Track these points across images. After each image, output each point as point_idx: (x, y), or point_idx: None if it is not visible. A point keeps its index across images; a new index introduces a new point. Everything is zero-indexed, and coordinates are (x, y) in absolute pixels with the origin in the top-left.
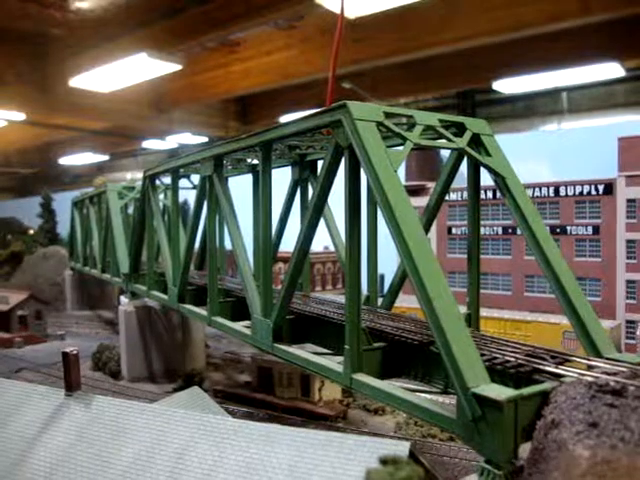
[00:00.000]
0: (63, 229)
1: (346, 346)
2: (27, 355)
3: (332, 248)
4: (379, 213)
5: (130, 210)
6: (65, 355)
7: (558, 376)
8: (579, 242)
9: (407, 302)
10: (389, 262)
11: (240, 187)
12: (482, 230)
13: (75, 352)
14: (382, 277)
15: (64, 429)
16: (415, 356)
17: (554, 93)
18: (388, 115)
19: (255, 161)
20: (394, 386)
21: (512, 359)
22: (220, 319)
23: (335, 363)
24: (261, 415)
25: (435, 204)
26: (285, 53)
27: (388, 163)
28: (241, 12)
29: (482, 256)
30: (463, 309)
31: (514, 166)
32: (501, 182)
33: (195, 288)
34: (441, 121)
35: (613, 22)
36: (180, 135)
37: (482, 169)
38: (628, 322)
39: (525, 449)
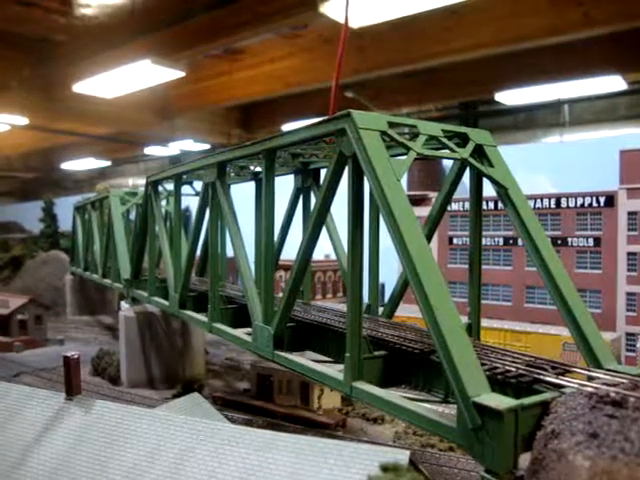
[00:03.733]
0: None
1: (347, 354)
2: (26, 359)
3: (333, 256)
4: (381, 222)
5: (132, 216)
6: (66, 359)
7: (559, 386)
8: (580, 254)
9: (407, 311)
10: (389, 271)
11: (243, 194)
12: (483, 240)
13: (76, 356)
14: (383, 286)
15: (64, 433)
16: (416, 365)
17: (556, 105)
18: (392, 124)
19: (258, 169)
20: (394, 394)
21: (513, 369)
22: (221, 326)
23: (335, 371)
24: (260, 422)
25: (437, 214)
26: (288, 62)
27: (391, 172)
28: (247, 20)
29: (483, 266)
30: (464, 319)
31: (515, 178)
32: (503, 193)
33: (196, 294)
34: (444, 131)
35: (616, 35)
36: (182, 142)
37: (485, 180)
38: (628, 334)
39: (525, 459)
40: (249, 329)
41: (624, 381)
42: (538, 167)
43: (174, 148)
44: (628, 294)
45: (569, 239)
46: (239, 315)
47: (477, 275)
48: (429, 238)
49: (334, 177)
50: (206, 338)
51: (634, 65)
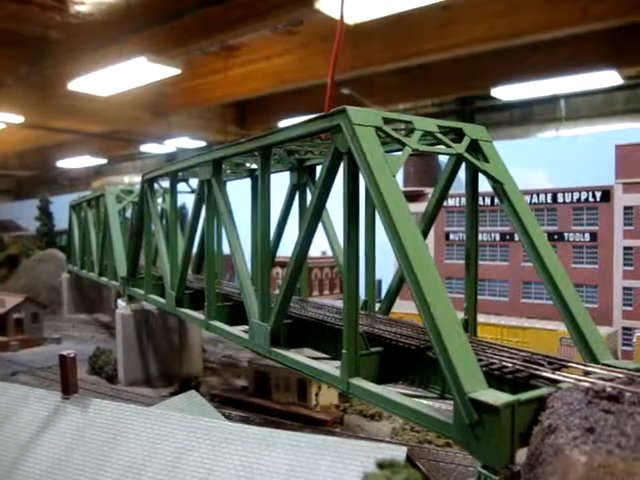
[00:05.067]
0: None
1: (344, 350)
2: (23, 358)
3: (330, 253)
4: (377, 218)
5: (128, 213)
6: (62, 358)
7: (555, 382)
8: (576, 249)
9: (404, 308)
10: (386, 267)
11: (239, 191)
12: (480, 236)
13: (72, 355)
14: (379, 282)
15: (61, 432)
16: (412, 361)
17: (552, 100)
18: (387, 120)
19: (254, 165)
20: (391, 391)
21: (509, 364)
22: (217, 323)
23: (332, 367)
24: (258, 420)
25: (433, 210)
26: (284, 58)
27: (387, 168)
28: (241, 17)
29: (479, 262)
30: (460, 315)
31: (511, 173)
32: (499, 188)
33: (193, 292)
34: (440, 127)
35: (611, 30)
36: (178, 139)
37: (480, 175)
38: (625, 329)
39: (522, 454)
40: (246, 326)
41: (620, 376)
42: (534, 162)
43: (170, 145)
44: (625, 289)
45: (565, 234)
46: (236, 312)
47: (473, 271)
48: (425, 234)
49: (329, 173)
50: (203, 336)
51: (629, 60)
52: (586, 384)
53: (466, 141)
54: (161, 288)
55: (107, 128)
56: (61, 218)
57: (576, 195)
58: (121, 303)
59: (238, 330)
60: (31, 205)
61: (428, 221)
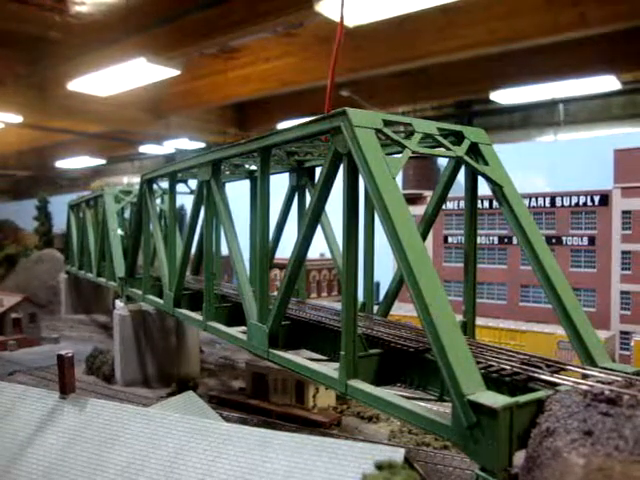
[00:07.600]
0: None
1: (342, 352)
2: (20, 358)
3: (328, 255)
4: (376, 220)
5: (127, 214)
6: (60, 357)
7: (553, 384)
8: (574, 252)
9: (402, 310)
10: (384, 269)
11: (237, 192)
12: (478, 239)
13: (70, 355)
14: (377, 285)
15: (58, 431)
16: (411, 363)
17: (551, 104)
18: (387, 123)
19: (253, 167)
20: (389, 393)
21: (508, 367)
22: (215, 324)
23: (331, 369)
24: (255, 421)
25: (432, 212)
26: (284, 60)
27: (387, 170)
28: (242, 19)
29: (478, 265)
30: (459, 317)
31: (510, 176)
32: (498, 191)
33: (191, 293)
34: (440, 129)
35: (610, 35)
36: (177, 140)
37: (479, 178)
38: (622, 333)
39: (520, 457)
40: (244, 327)
41: (618, 379)
42: (533, 166)
43: (169, 146)
44: (622, 293)
45: (564, 238)
46: (234, 313)
47: (472, 274)
48: (424, 237)
49: (329, 175)
50: (201, 337)
51: (628, 65)
52: (584, 387)
53: (466, 144)
54: (159, 289)
55: (106, 129)
56: (60, 218)
57: (574, 199)
58: (119, 304)
59: (236, 331)
60: (29, 205)
61: (427, 224)
